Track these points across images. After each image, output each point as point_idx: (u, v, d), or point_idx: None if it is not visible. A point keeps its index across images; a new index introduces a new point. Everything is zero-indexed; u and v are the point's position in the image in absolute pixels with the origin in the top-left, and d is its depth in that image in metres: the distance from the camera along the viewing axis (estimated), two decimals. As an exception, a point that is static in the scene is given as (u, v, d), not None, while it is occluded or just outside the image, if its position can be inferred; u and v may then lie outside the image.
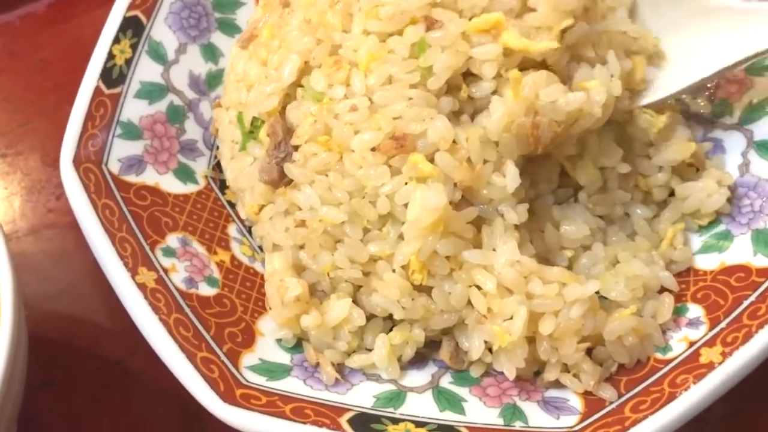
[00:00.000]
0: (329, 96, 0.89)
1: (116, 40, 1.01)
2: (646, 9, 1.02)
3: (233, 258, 0.96)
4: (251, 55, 0.99)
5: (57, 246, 1.12)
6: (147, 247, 0.90)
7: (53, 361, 1.02)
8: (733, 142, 1.01)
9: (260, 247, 0.98)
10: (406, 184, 0.86)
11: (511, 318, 0.84)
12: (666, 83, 0.99)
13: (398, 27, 0.89)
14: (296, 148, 0.91)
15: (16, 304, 0.81)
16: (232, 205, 1.02)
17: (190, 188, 1.00)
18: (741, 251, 0.93)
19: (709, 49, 0.96)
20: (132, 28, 1.02)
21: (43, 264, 1.10)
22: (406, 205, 0.86)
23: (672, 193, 0.99)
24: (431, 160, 0.86)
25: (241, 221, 1.01)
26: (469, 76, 0.89)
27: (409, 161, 0.86)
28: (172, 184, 0.99)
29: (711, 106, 1.05)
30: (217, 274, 0.93)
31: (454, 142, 0.86)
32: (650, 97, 0.98)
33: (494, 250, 0.86)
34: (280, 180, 0.92)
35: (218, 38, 1.09)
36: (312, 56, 0.92)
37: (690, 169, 1.00)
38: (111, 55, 1.00)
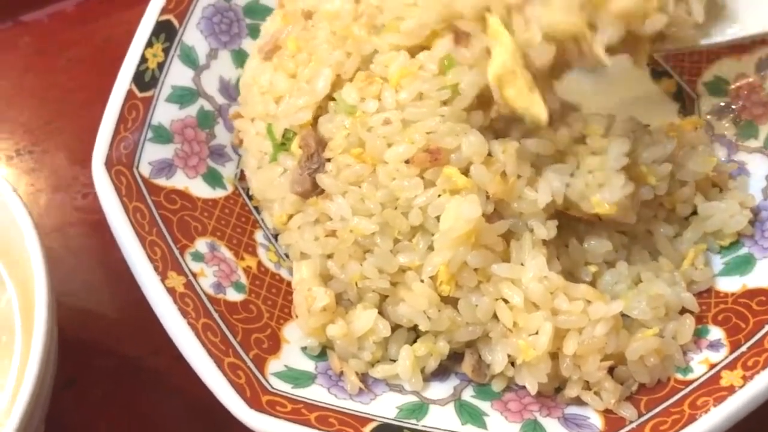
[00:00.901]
0: (362, 109, 0.90)
1: (149, 44, 1.01)
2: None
3: (260, 264, 0.97)
4: (276, 67, 0.99)
5: (82, 244, 1.13)
6: (177, 252, 0.91)
7: (75, 359, 1.03)
8: (757, 166, 1.02)
9: (286, 255, 0.99)
10: (439, 196, 0.87)
11: (537, 333, 0.85)
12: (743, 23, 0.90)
13: (418, 41, 0.90)
14: (329, 159, 0.92)
15: (50, 305, 0.82)
16: (259, 211, 1.03)
17: (218, 193, 1.01)
18: (763, 275, 0.94)
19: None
20: (165, 32, 1.03)
21: (67, 261, 1.11)
22: (438, 218, 0.87)
23: (695, 212, 1.00)
24: (465, 173, 0.87)
25: (268, 227, 1.02)
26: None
27: (443, 174, 0.87)
28: (201, 189, 1.00)
29: (736, 127, 1.06)
30: (244, 279, 0.94)
31: (489, 154, 0.87)
32: (717, 36, 0.91)
33: (522, 264, 0.87)
34: (313, 191, 0.93)
35: (248, 44, 1.10)
36: (343, 70, 0.93)
37: (714, 190, 1.01)
38: (144, 59, 1.00)
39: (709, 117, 1.08)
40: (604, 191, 0.86)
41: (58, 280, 1.07)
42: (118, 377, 1.04)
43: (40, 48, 1.29)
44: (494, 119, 0.89)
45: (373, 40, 0.92)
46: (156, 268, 0.88)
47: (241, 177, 1.04)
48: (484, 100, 0.89)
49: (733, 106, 1.07)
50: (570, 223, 0.94)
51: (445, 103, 0.89)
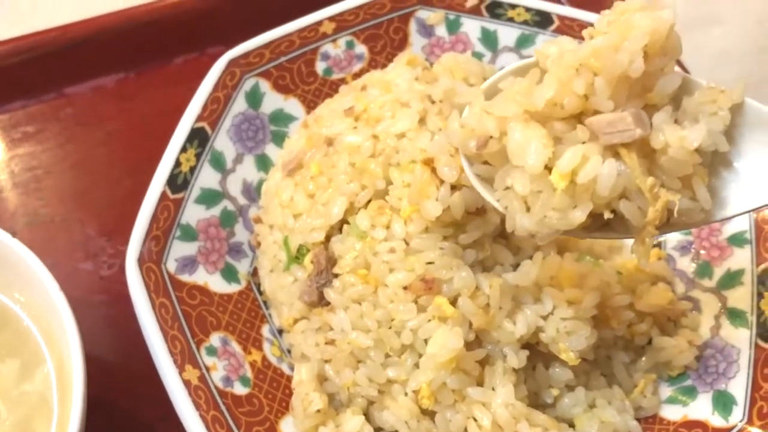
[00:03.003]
0: (371, 236, 1.03)
1: (183, 149, 1.13)
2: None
3: (264, 358, 1.09)
4: (297, 184, 1.12)
5: (104, 313, 1.22)
6: (194, 346, 1.03)
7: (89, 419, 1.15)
8: (709, 305, 1.14)
9: (288, 350, 1.12)
10: (429, 321, 1.00)
11: (499, 452, 0.98)
12: (738, 200, 0.89)
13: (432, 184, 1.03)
14: (336, 275, 1.05)
15: (84, 390, 0.94)
16: (267, 306, 1.15)
17: (233, 288, 1.13)
18: (702, 408, 1.07)
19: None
20: (198, 138, 1.14)
21: (90, 329, 1.21)
22: (426, 340, 0.99)
23: (650, 341, 1.13)
24: (453, 302, 1.00)
25: (274, 323, 1.14)
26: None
27: (434, 302, 0.99)
28: (218, 284, 1.11)
29: (694, 265, 1.19)
30: (249, 373, 1.06)
31: (477, 288, 1.00)
32: (720, 213, 0.89)
33: (493, 389, 1.00)
34: (319, 302, 1.05)
35: (270, 149, 1.22)
36: (357, 199, 1.06)
37: (669, 323, 1.15)
38: (178, 163, 1.12)
39: (672, 252, 1.22)
40: (572, 339, 0.99)
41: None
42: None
43: (81, 120, 1.38)
44: (485, 258, 1.03)
45: (391, 173, 1.06)
46: (175, 362, 1.00)
47: (254, 273, 1.17)
48: (479, 240, 1.02)
49: (695, 246, 1.20)
50: (539, 349, 1.07)
51: (446, 238, 1.02)
